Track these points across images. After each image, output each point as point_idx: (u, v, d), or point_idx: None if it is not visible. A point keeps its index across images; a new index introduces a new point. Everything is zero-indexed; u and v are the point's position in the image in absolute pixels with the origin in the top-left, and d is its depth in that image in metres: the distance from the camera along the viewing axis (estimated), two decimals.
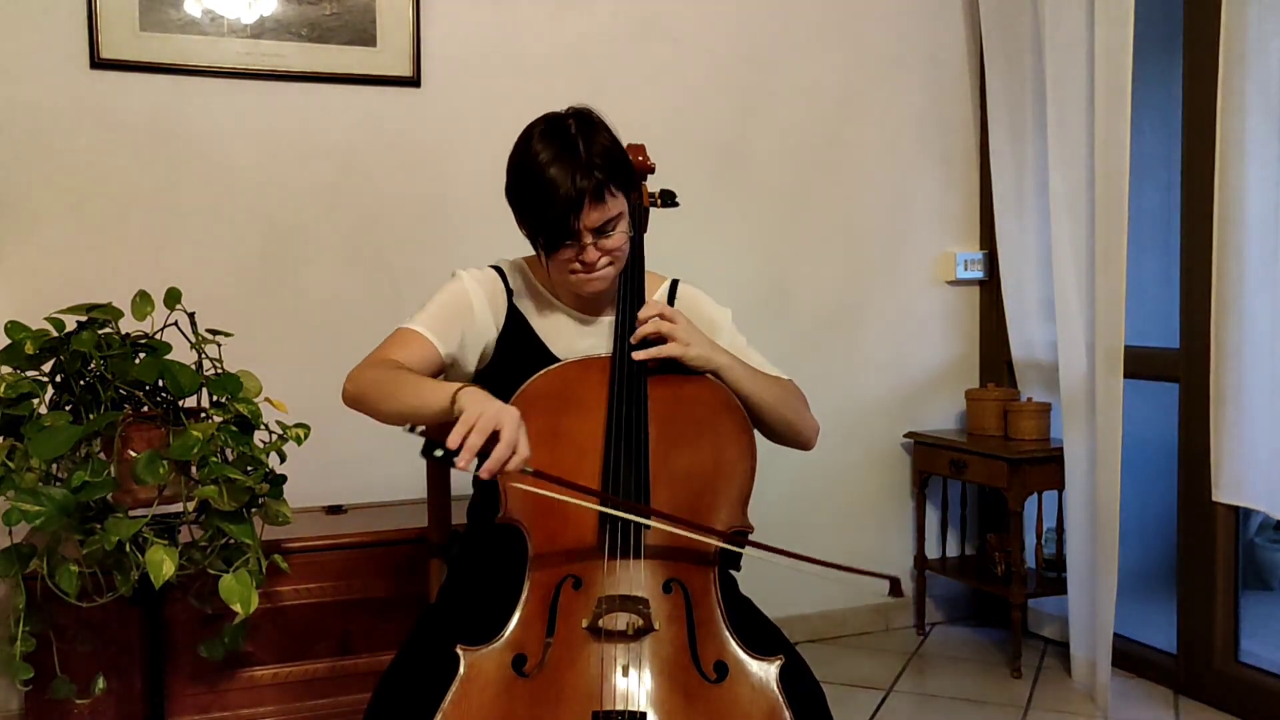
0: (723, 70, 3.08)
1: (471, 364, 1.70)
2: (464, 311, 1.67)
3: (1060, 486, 2.90)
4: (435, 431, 1.37)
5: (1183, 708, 2.69)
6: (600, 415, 1.54)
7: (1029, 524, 3.00)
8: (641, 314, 1.62)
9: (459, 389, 1.41)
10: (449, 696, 1.34)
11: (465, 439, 1.32)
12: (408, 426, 1.38)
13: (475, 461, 1.33)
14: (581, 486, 1.43)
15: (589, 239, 1.58)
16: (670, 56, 3.02)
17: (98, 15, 2.48)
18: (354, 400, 1.59)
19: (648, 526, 1.45)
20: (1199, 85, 2.62)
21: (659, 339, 1.60)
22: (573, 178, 1.53)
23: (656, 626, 1.39)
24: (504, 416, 1.36)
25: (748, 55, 3.11)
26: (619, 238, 1.61)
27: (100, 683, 1.99)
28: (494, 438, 1.34)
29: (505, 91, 2.84)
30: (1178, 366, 2.73)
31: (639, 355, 1.59)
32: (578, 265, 1.62)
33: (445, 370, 1.67)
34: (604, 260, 1.61)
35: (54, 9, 2.47)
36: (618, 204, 1.60)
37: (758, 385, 1.66)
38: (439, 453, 1.33)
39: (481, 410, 1.35)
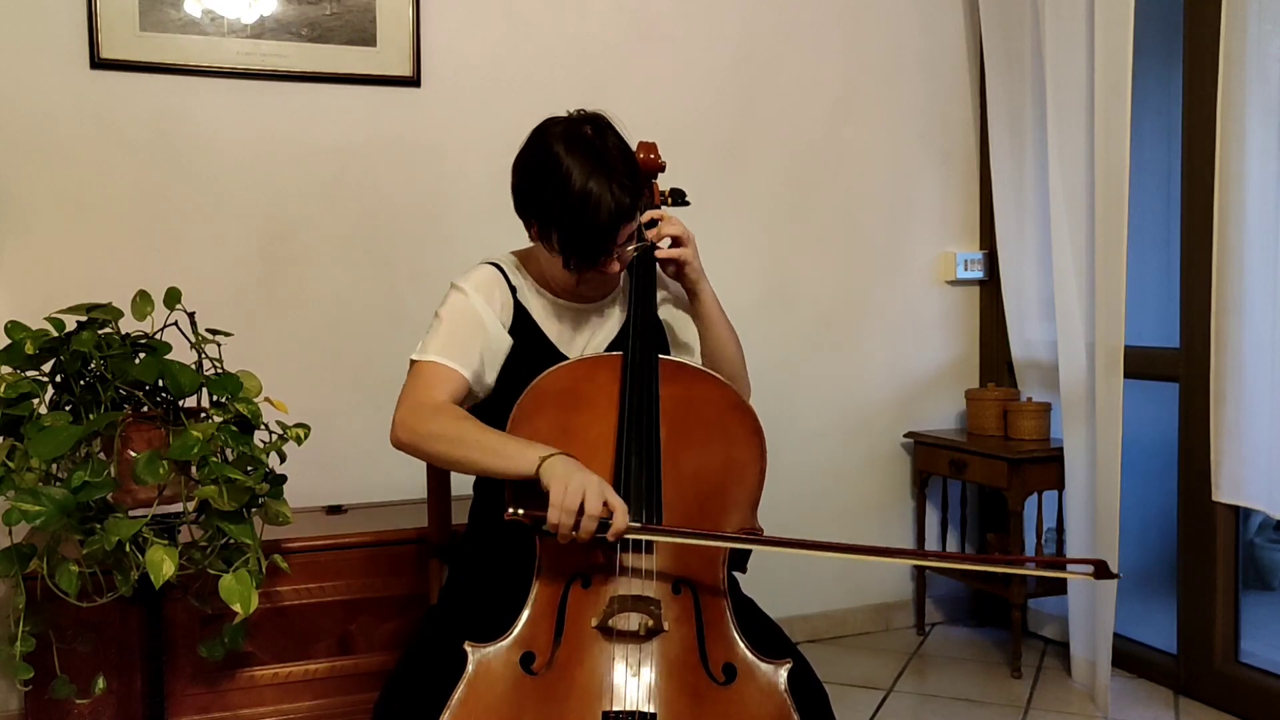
0: (723, 70, 3.08)
1: (493, 376, 1.69)
2: (477, 330, 1.66)
3: (1060, 486, 2.90)
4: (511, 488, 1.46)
5: (1183, 708, 2.69)
6: (611, 414, 1.54)
7: (1029, 524, 3.00)
8: (664, 219, 1.70)
9: (544, 460, 1.42)
10: (457, 694, 1.34)
11: (560, 523, 1.37)
12: (511, 512, 1.42)
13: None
14: (694, 533, 1.46)
15: (616, 252, 1.61)
16: (670, 56, 3.02)
17: (98, 15, 2.48)
18: (411, 449, 1.56)
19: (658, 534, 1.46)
20: (1199, 85, 2.63)
21: (677, 241, 1.69)
22: (614, 196, 1.55)
23: (666, 627, 1.39)
24: (587, 485, 1.38)
25: (748, 55, 3.11)
26: (628, 250, 1.65)
27: (100, 683, 1.99)
28: (582, 508, 1.38)
29: (505, 91, 2.84)
30: (1178, 366, 2.73)
31: (660, 252, 1.69)
32: (595, 276, 1.64)
33: (471, 390, 1.66)
34: (622, 264, 1.65)
35: (54, 9, 2.47)
36: (635, 222, 1.64)
37: (726, 327, 1.78)
38: (546, 528, 1.40)
39: (565, 485, 1.38)
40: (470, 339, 1.65)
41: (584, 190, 1.53)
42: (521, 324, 1.71)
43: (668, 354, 1.71)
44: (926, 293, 3.35)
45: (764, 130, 3.14)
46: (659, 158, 1.82)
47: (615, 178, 1.55)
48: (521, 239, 1.82)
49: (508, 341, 1.69)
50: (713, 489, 1.54)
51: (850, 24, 3.21)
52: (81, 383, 1.86)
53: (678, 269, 1.73)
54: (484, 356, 1.66)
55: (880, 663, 3.04)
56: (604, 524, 1.39)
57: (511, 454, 1.46)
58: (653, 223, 1.72)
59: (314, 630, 2.30)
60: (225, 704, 2.24)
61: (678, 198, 1.85)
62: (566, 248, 1.58)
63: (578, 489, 1.37)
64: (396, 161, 2.77)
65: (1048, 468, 2.90)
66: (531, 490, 1.42)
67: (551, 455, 1.43)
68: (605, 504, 1.38)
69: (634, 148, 1.76)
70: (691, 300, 1.78)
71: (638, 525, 1.43)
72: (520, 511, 1.41)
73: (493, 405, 1.67)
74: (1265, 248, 2.49)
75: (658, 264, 1.74)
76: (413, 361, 1.64)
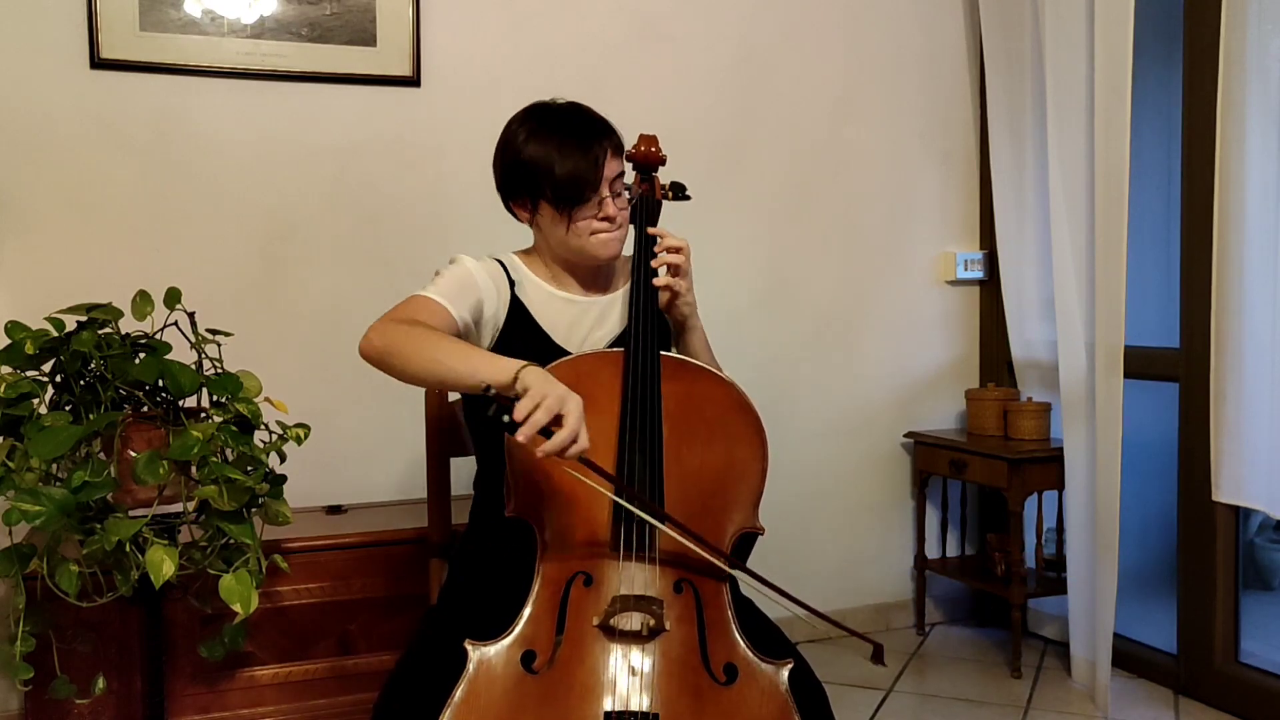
0: (723, 70, 3.08)
1: (485, 341, 1.70)
2: (474, 289, 1.67)
3: (1060, 486, 2.89)
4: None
5: (1183, 708, 2.69)
6: (613, 410, 1.53)
7: (1029, 524, 3.00)
8: (674, 243, 1.70)
9: (523, 366, 1.38)
10: (458, 693, 1.33)
11: (531, 415, 1.31)
12: (485, 388, 1.36)
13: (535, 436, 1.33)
14: (638, 498, 1.44)
15: (607, 192, 1.64)
16: (670, 56, 3.02)
17: (98, 15, 2.48)
18: (381, 352, 1.51)
19: (656, 528, 1.45)
20: (1199, 85, 2.63)
21: (675, 271, 1.70)
22: (594, 137, 1.62)
23: (668, 627, 1.39)
24: (570, 401, 1.34)
25: (748, 55, 3.11)
26: (624, 199, 1.69)
27: (100, 683, 1.99)
28: (557, 420, 1.33)
29: (505, 91, 2.83)
30: (1178, 366, 2.73)
31: (658, 281, 1.69)
32: (600, 224, 1.66)
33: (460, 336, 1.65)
34: (621, 216, 1.68)
35: (54, 9, 2.47)
36: (619, 164, 1.68)
37: (708, 362, 1.75)
38: (506, 419, 1.32)
39: (549, 390, 1.33)
40: (467, 291, 1.66)
41: (560, 136, 1.62)
42: (518, 317, 1.71)
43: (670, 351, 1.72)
44: (926, 293, 3.35)
45: (764, 130, 3.14)
46: (660, 151, 1.81)
47: (592, 124, 1.65)
48: (520, 240, 1.82)
49: (501, 317, 1.70)
50: (715, 487, 1.54)
51: (850, 24, 3.21)
52: (81, 383, 1.86)
53: (670, 299, 1.73)
54: (477, 312, 1.66)
55: None
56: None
57: (486, 359, 1.43)
58: (651, 206, 1.74)
59: (314, 630, 2.30)
60: (225, 704, 2.23)
61: (678, 191, 1.84)
62: (554, 193, 1.62)
63: (561, 397, 1.33)
64: (396, 161, 2.77)
65: (1048, 468, 2.90)
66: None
67: (531, 365, 1.39)
68: (578, 432, 1.34)
69: (634, 141, 1.77)
70: (679, 335, 1.78)
71: (592, 465, 1.39)
72: (493, 390, 1.35)
73: None
74: (1265, 248, 2.49)
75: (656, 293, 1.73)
76: (409, 296, 1.64)
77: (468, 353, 1.45)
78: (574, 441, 1.33)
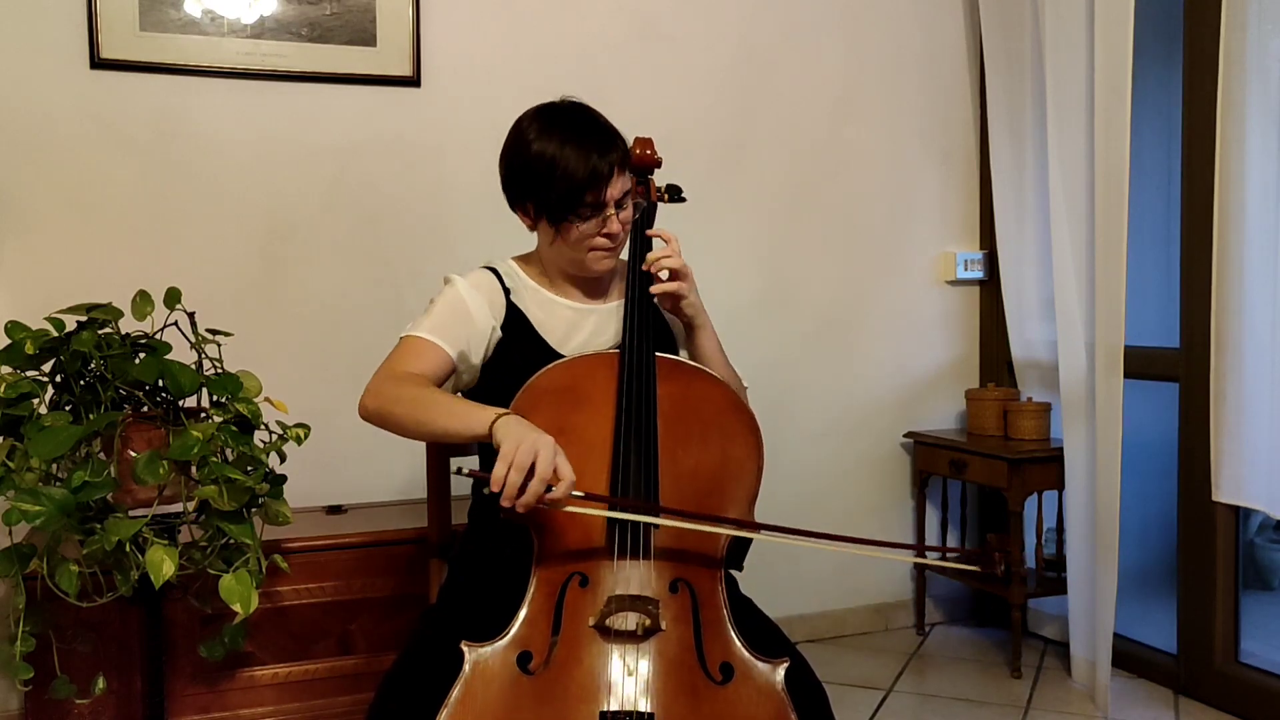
0: (723, 70, 3.08)
1: (478, 359, 1.71)
2: (464, 316, 1.68)
3: (1060, 486, 2.89)
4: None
5: (1183, 708, 2.69)
6: (608, 412, 1.54)
7: (1029, 524, 3.00)
8: (669, 246, 1.69)
9: (496, 418, 1.43)
10: (454, 694, 1.34)
11: (506, 477, 1.35)
12: (456, 469, 1.41)
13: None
14: (633, 505, 1.45)
15: (611, 210, 1.64)
16: (670, 56, 3.02)
17: (98, 15, 2.48)
18: (376, 416, 1.59)
19: (656, 526, 1.45)
20: (1199, 85, 2.62)
21: (674, 275, 1.69)
22: (600, 150, 1.61)
23: (664, 626, 1.39)
24: (540, 447, 1.37)
25: (748, 55, 3.11)
26: (629, 211, 1.68)
27: (100, 683, 1.99)
28: (532, 470, 1.36)
29: (505, 91, 2.83)
30: (1178, 366, 2.73)
31: (655, 289, 1.67)
32: (601, 240, 1.66)
33: (456, 371, 1.68)
34: (623, 233, 1.68)
35: (54, 9, 2.47)
36: (627, 180, 1.67)
37: (723, 366, 1.76)
38: (486, 491, 1.37)
39: (518, 443, 1.36)
40: (456, 322, 1.68)
41: (564, 150, 1.60)
42: (515, 323, 1.71)
43: (671, 351, 1.72)
44: (926, 293, 3.35)
45: (764, 130, 3.14)
46: (655, 153, 1.81)
47: (599, 137, 1.63)
48: (520, 241, 1.82)
49: (495, 335, 1.71)
50: (710, 487, 1.54)
51: (850, 24, 3.21)
52: (81, 383, 1.87)
53: (673, 303, 1.73)
54: (468, 340, 1.68)
55: (880, 663, 3.04)
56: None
57: (466, 413, 1.48)
58: (647, 209, 1.73)
59: (314, 630, 2.30)
60: (225, 704, 2.24)
61: (674, 194, 1.84)
62: (556, 208, 1.62)
63: (530, 448, 1.36)
64: (396, 161, 2.77)
65: (1048, 468, 2.90)
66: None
67: (505, 414, 1.44)
68: (555, 470, 1.37)
69: (630, 142, 1.77)
70: (689, 335, 1.77)
71: (582, 495, 1.40)
72: (466, 470, 1.41)
73: (484, 401, 1.67)
74: (1265, 248, 2.48)
75: (653, 298, 1.72)
76: (401, 338, 1.68)
77: (451, 409, 1.51)
78: (551, 486, 1.36)
